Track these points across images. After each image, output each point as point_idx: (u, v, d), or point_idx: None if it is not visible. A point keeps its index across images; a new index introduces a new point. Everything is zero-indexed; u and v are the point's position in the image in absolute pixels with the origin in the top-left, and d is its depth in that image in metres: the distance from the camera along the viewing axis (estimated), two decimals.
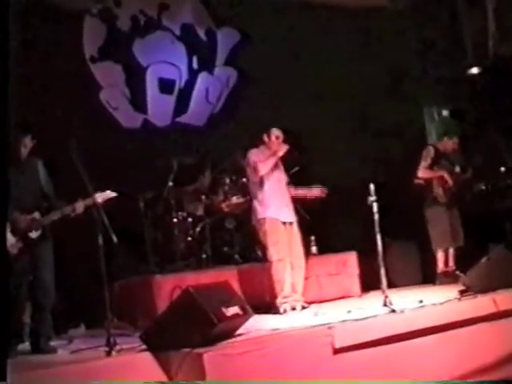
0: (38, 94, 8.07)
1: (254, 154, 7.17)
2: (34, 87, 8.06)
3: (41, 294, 6.00)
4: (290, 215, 7.19)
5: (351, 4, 10.06)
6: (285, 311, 6.88)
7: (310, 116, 9.33)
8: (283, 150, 7.08)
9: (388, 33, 10.15)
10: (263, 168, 7.01)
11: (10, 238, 5.82)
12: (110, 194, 5.92)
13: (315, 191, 7.45)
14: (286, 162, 7.35)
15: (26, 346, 6.16)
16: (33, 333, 6.07)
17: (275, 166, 7.17)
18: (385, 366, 5.61)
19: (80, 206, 5.90)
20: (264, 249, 7.16)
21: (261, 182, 7.07)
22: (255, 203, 7.16)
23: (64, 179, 6.39)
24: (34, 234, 5.95)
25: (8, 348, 5.80)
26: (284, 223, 7.10)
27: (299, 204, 7.68)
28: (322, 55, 9.76)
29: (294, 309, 6.97)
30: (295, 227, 7.21)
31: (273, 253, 6.98)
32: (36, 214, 5.96)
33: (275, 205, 7.07)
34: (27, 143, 6.06)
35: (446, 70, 10.14)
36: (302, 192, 7.46)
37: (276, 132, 7.22)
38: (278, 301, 6.93)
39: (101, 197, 5.85)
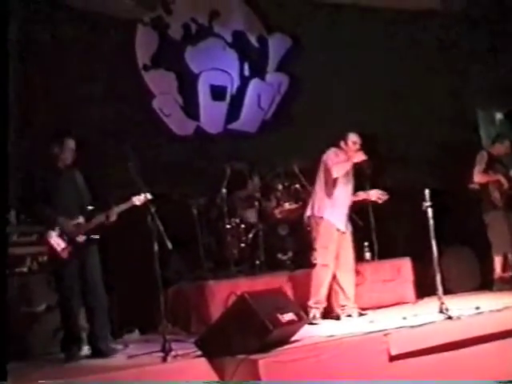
0: (90, 102, 8.18)
1: (330, 155, 6.99)
2: (86, 96, 8.18)
3: (91, 297, 6.09)
4: (346, 225, 7.05)
5: (405, 7, 9.96)
6: (314, 317, 6.75)
7: (363, 121, 9.24)
8: (359, 157, 6.90)
9: (442, 36, 10.03)
10: (337, 171, 6.84)
11: (60, 243, 5.95)
12: (147, 196, 5.97)
13: (374, 194, 7.26)
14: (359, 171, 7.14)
15: (85, 350, 6.24)
16: (91, 336, 6.13)
17: (347, 172, 6.98)
18: (441, 374, 5.54)
19: (119, 210, 6.03)
20: (312, 248, 7.04)
21: (334, 183, 6.92)
22: (318, 199, 6.98)
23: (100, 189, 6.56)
24: (80, 239, 6.05)
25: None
26: (338, 230, 6.97)
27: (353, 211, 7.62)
28: (375, 59, 9.69)
29: (349, 316, 6.90)
30: (348, 235, 7.08)
31: (319, 256, 6.88)
32: (81, 219, 6.07)
33: (337, 210, 6.94)
34: (72, 146, 6.18)
35: (500, 73, 9.99)
36: (362, 196, 7.26)
37: (353, 137, 7.04)
38: (310, 304, 6.83)
39: (139, 199, 5.94)
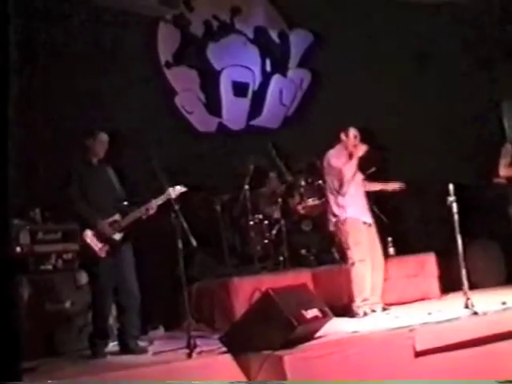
0: (112, 100, 8.21)
1: (333, 156, 7.10)
2: (108, 94, 8.21)
3: (124, 296, 6.08)
4: (369, 216, 7.12)
5: (427, 1, 9.88)
6: (365, 314, 6.76)
7: (386, 115, 9.21)
8: (362, 150, 6.98)
9: (463, 26, 9.94)
10: (348, 172, 6.94)
11: (97, 242, 5.95)
12: (181, 188, 5.98)
13: (392, 185, 7.30)
14: (365, 161, 7.18)
15: (111, 346, 6.28)
16: (120, 334, 6.16)
17: None
18: (467, 370, 5.50)
19: (156, 203, 5.98)
20: (344, 250, 7.03)
21: (340, 184, 7.00)
22: (334, 204, 7.06)
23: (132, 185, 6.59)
24: (117, 236, 6.04)
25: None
26: (364, 223, 7.01)
27: (375, 204, 7.60)
28: (397, 53, 9.63)
29: (374, 311, 6.88)
30: (374, 228, 7.12)
31: (354, 253, 6.85)
32: (117, 216, 6.06)
33: (355, 205, 6.98)
34: (105, 140, 6.18)
35: None
36: (378, 186, 7.32)
37: (354, 131, 7.12)
38: (357, 303, 6.83)
39: (174, 191, 5.91)
